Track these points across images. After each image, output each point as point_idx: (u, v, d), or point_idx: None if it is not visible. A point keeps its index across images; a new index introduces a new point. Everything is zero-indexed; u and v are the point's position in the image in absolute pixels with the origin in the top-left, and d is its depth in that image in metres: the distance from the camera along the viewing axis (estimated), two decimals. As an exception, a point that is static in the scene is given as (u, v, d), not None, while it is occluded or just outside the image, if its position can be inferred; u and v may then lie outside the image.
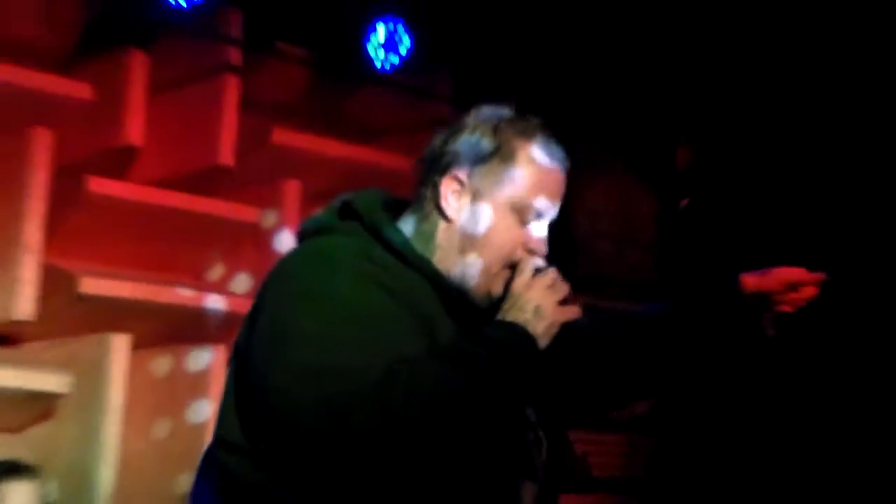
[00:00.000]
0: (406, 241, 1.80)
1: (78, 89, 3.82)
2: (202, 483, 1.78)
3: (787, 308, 1.95)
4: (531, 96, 4.37)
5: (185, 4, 3.76)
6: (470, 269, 1.78)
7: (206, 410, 3.84)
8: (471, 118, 1.82)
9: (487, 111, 1.83)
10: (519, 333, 1.70)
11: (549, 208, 1.80)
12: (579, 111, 4.61)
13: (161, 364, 3.98)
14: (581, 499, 4.40)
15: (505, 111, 1.82)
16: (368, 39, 4.15)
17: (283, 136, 4.25)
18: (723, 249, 5.02)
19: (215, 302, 3.99)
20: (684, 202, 5.12)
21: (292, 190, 4.19)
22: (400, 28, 4.16)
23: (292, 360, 1.57)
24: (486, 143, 1.78)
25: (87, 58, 4.01)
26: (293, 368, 1.56)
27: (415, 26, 4.20)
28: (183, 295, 3.93)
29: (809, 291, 1.97)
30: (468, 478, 1.68)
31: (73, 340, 3.79)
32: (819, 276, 1.97)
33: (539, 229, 1.80)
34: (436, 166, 1.82)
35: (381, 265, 1.72)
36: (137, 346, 3.79)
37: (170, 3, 3.74)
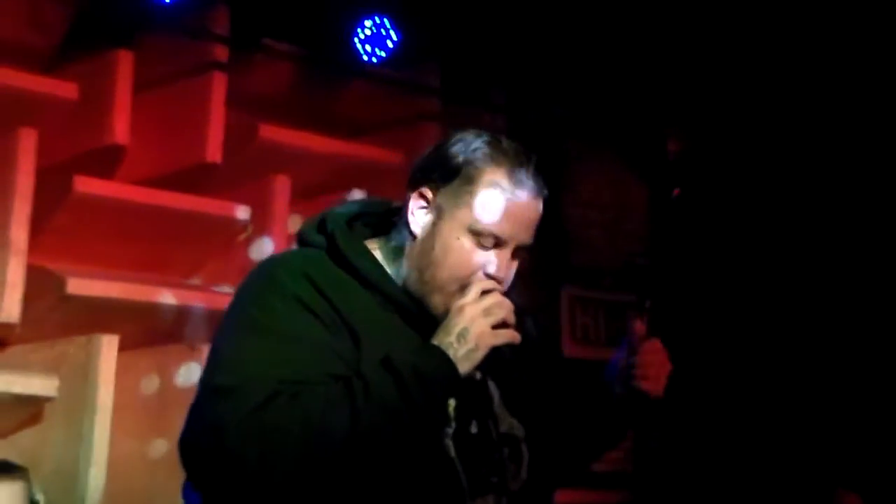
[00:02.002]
0: (365, 262, 1.81)
1: (63, 89, 3.82)
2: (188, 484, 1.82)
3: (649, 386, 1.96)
4: (520, 88, 4.57)
5: (167, 1, 3.73)
6: (426, 286, 1.77)
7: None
8: (452, 137, 1.81)
9: (470, 132, 1.81)
10: (433, 357, 1.70)
11: (511, 235, 1.76)
12: (569, 102, 4.58)
13: (149, 365, 3.95)
14: (573, 494, 4.31)
15: (486, 134, 1.80)
16: (355, 34, 4.15)
17: (271, 133, 4.24)
18: (714, 239, 5.07)
19: (204, 301, 3.97)
20: (676, 191, 5.11)
21: (280, 186, 4.19)
22: (387, 22, 4.15)
23: (205, 380, 1.68)
24: (454, 163, 1.77)
25: (71, 57, 4.01)
26: (204, 387, 1.67)
27: (402, 20, 4.19)
28: (172, 295, 3.90)
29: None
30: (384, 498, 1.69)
31: (59, 342, 3.76)
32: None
33: (502, 255, 1.77)
34: (411, 181, 1.82)
35: (328, 285, 1.73)
36: (124, 348, 3.78)
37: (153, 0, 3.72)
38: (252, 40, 4.18)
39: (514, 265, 1.79)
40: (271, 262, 1.88)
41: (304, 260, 1.80)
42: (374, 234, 1.89)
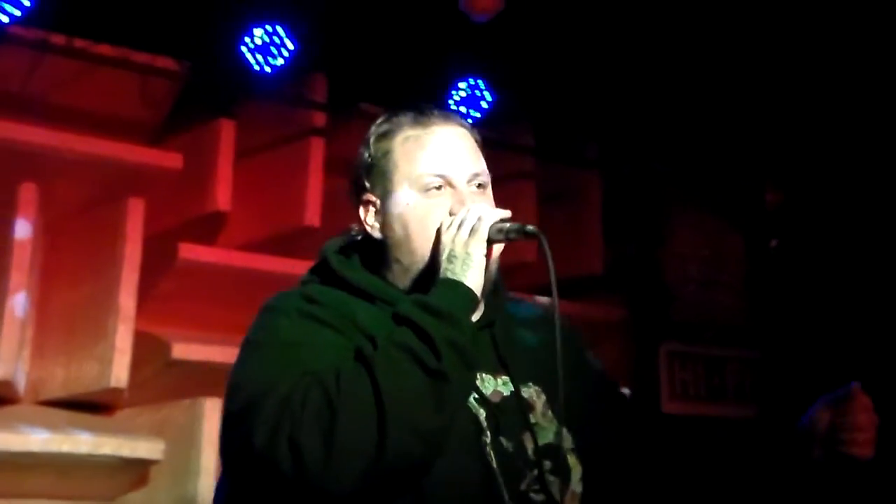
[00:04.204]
0: (363, 276, 1.73)
1: (168, 159, 3.91)
2: None
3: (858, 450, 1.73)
4: (616, 143, 4.54)
5: (269, 70, 3.79)
6: (413, 269, 1.68)
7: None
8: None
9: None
10: (435, 288, 1.58)
11: (451, 168, 1.67)
12: (664, 155, 4.51)
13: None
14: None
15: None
16: (450, 96, 4.18)
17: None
18: (814, 291, 4.94)
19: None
20: (774, 243, 5.04)
21: (379, 248, 4.12)
22: (481, 83, 4.22)
23: (226, 411, 1.62)
24: (368, 158, 1.72)
25: (176, 128, 4.14)
26: (226, 418, 1.62)
27: (496, 80, 4.22)
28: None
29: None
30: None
31: (164, 406, 3.81)
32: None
33: (458, 193, 1.66)
34: (354, 203, 1.75)
35: (332, 302, 1.66)
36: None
37: (254, 69, 3.78)
38: (349, 106, 4.24)
39: (483, 196, 1.68)
40: (266, 303, 1.77)
41: (302, 288, 1.73)
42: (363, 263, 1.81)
